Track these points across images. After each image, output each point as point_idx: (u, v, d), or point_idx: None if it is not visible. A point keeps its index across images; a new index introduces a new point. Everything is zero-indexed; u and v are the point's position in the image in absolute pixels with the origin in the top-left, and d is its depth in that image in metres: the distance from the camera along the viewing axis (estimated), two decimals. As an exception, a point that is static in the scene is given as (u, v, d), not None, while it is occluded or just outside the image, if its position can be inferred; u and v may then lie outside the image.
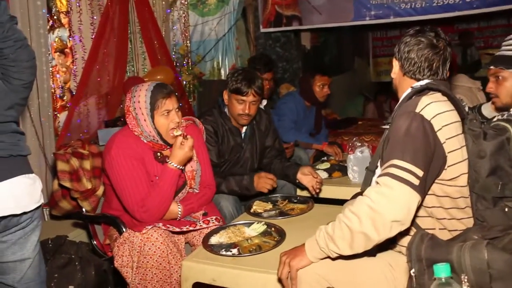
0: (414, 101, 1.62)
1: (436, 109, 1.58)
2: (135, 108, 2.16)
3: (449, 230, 1.61)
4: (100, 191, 2.46)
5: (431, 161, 1.52)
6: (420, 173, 1.45)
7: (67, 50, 4.04)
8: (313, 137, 4.01)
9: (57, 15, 3.95)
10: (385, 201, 1.42)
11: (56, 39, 4.20)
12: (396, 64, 1.81)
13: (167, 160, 2.17)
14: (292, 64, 6.36)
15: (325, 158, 3.59)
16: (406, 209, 1.41)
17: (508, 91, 2.14)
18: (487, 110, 2.42)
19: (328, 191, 2.88)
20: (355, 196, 2.31)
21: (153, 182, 2.20)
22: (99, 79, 4.07)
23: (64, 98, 4.04)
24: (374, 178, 1.72)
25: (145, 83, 2.23)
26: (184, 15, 5.10)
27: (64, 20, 3.99)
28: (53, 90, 3.75)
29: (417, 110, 1.56)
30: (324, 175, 3.09)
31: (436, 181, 1.59)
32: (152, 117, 2.14)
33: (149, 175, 2.21)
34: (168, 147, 2.26)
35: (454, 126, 1.60)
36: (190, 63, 5.06)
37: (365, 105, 8.38)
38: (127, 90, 2.30)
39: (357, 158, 2.89)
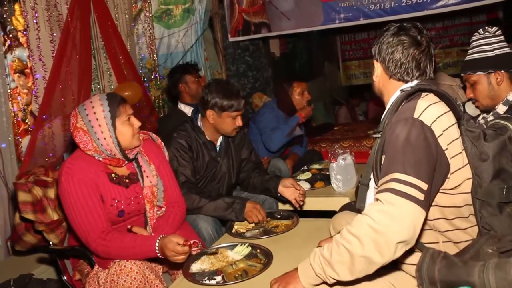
0: (409, 105, 1.49)
1: (435, 113, 1.45)
2: (89, 121, 1.98)
3: (454, 243, 1.49)
4: (67, 221, 2.27)
5: (435, 171, 1.39)
6: (424, 186, 1.32)
7: (27, 70, 3.82)
8: (300, 146, 3.94)
9: (14, 34, 3.74)
10: (388, 220, 1.29)
11: (15, 59, 3.99)
12: (378, 66, 1.67)
13: (157, 240, 1.91)
14: (263, 72, 6.26)
15: (306, 168, 3.46)
16: (412, 227, 1.28)
17: (483, 93, 2.19)
18: (471, 108, 2.38)
19: (312, 203, 2.75)
20: (343, 208, 2.19)
21: (113, 207, 2.03)
22: (62, 99, 3.85)
23: (27, 121, 3.82)
24: (369, 193, 1.59)
25: (92, 97, 2.08)
26: (149, 28, 4.92)
27: (23, 39, 3.77)
28: (13, 114, 3.53)
29: (415, 116, 1.43)
30: (306, 186, 2.96)
31: (440, 191, 1.47)
32: (114, 126, 1.99)
33: (106, 200, 2.03)
34: (126, 162, 2.10)
35: (453, 129, 1.48)
36: (158, 77, 4.88)
37: (337, 109, 8.37)
38: None
39: (340, 166, 2.77)
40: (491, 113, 2.19)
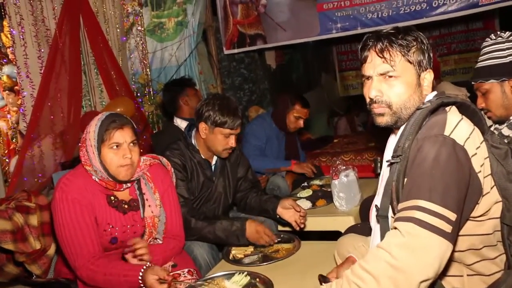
0: (437, 120, 1.31)
1: (467, 129, 1.29)
2: (85, 140, 1.89)
3: (481, 275, 1.32)
4: (51, 250, 2.12)
5: (466, 197, 1.22)
6: (453, 216, 1.16)
7: (17, 87, 3.69)
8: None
9: (4, 51, 3.62)
10: (411, 256, 1.13)
11: (4, 76, 3.86)
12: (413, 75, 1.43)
13: (141, 272, 1.77)
14: (259, 85, 6.14)
15: (306, 184, 3.31)
16: (437, 264, 1.13)
17: (496, 103, 2.03)
18: None
19: (313, 223, 2.60)
20: (349, 231, 2.03)
21: (106, 232, 1.89)
22: (52, 117, 3.72)
23: (14, 140, 3.68)
24: (391, 223, 1.41)
25: (99, 114, 1.96)
26: (141, 42, 4.80)
27: (12, 56, 3.65)
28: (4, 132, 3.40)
29: (446, 133, 1.25)
30: (306, 204, 2.81)
31: (470, 219, 1.30)
32: (99, 150, 1.85)
33: (100, 224, 1.90)
34: (124, 186, 1.96)
35: (484, 147, 1.31)
36: (151, 92, 4.75)
37: (336, 121, 8.23)
38: (85, 126, 2.00)
39: (343, 183, 2.61)
40: (505, 124, 2.04)
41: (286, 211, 2.44)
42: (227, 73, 5.66)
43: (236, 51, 5.27)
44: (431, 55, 1.43)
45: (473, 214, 1.30)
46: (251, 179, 2.77)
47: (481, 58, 2.06)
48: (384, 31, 1.46)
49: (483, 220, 1.31)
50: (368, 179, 3.29)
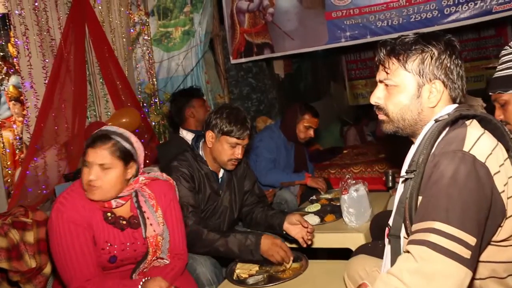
0: (456, 134, 1.21)
1: (489, 144, 1.19)
2: None
3: None
4: (48, 268, 2.04)
5: (487, 220, 1.12)
6: (472, 241, 1.06)
7: (23, 98, 3.65)
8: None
9: (11, 61, 3.58)
10: (424, 284, 1.03)
11: (10, 87, 3.82)
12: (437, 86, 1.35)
13: (141, 284, 1.75)
14: (267, 94, 6.06)
15: (314, 198, 3.21)
16: None
17: None
18: None
19: (322, 240, 2.49)
20: (359, 251, 1.92)
21: (104, 250, 1.82)
22: (56, 127, 3.65)
23: (18, 151, 3.63)
24: (404, 244, 1.30)
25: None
26: (148, 51, 4.76)
27: (17, 66, 3.60)
28: (2, 144, 3.34)
29: (465, 149, 1.16)
30: (315, 220, 2.70)
31: (491, 243, 1.20)
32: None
33: (98, 242, 1.83)
34: (114, 205, 1.88)
35: (508, 165, 1.20)
36: (158, 102, 4.68)
37: (345, 130, 8.12)
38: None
39: (352, 198, 2.51)
40: None
41: (293, 227, 2.34)
42: (235, 83, 5.59)
43: (243, 60, 5.19)
44: (448, 64, 1.32)
45: (495, 238, 1.19)
46: (258, 193, 2.67)
47: (499, 67, 1.94)
48: (395, 37, 1.38)
49: (506, 246, 1.21)
50: (378, 193, 3.19)
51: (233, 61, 5.22)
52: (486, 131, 1.24)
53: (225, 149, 2.36)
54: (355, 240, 2.40)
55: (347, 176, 2.62)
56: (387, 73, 1.36)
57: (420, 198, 1.19)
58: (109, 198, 1.85)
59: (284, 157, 3.58)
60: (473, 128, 1.22)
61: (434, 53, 1.31)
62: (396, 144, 4.68)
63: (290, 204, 3.27)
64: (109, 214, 1.87)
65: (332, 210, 2.84)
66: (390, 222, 1.32)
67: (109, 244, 1.84)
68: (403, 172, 1.44)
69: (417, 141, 1.31)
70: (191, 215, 2.26)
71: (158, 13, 4.87)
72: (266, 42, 4.96)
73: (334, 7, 4.49)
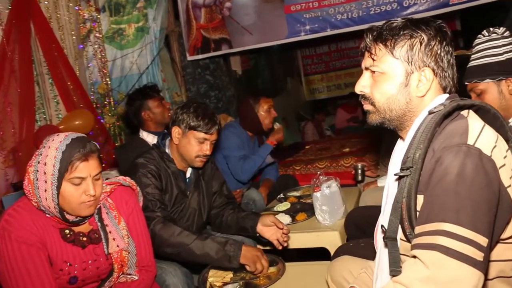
0: (457, 127, 1.12)
1: (492, 136, 1.11)
2: (37, 171, 1.56)
3: None
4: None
5: (495, 217, 1.04)
6: (484, 242, 0.98)
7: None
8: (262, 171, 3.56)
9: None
10: None
11: None
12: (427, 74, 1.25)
13: None
14: (225, 91, 5.94)
15: (282, 196, 3.11)
16: None
17: (493, 104, 1.83)
18: None
19: (294, 240, 2.40)
20: (341, 251, 1.83)
21: (63, 271, 1.62)
22: (1, 133, 3.39)
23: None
24: (402, 247, 1.19)
25: (60, 135, 1.62)
26: (100, 49, 4.51)
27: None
28: None
29: (469, 142, 1.06)
30: (286, 219, 2.60)
31: (499, 241, 1.12)
32: (59, 186, 1.55)
33: (54, 263, 1.62)
34: (82, 221, 1.68)
35: (510, 157, 1.13)
36: (112, 103, 4.45)
37: (303, 125, 8.12)
38: (40, 142, 1.69)
39: (325, 196, 2.43)
40: None
41: (267, 228, 2.24)
42: (192, 80, 5.42)
43: (200, 56, 5.05)
44: (438, 51, 1.23)
45: (502, 236, 1.12)
46: (226, 194, 2.55)
47: (474, 56, 1.91)
48: (382, 23, 1.29)
49: None
50: (348, 188, 3.13)
51: (189, 58, 5.07)
52: (486, 123, 1.16)
53: (192, 145, 2.23)
54: (330, 239, 2.32)
55: (318, 173, 2.53)
56: (373, 59, 1.26)
57: (419, 197, 1.10)
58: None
59: (249, 153, 3.46)
60: (474, 119, 1.14)
61: (423, 39, 1.22)
62: (358, 137, 4.65)
63: (258, 204, 3.16)
64: (67, 231, 1.67)
65: (303, 208, 2.76)
66: (384, 223, 1.22)
67: (68, 264, 1.64)
68: (390, 169, 1.36)
69: (409, 135, 1.22)
70: (160, 210, 2.10)
71: (110, 9, 4.63)
72: (224, 37, 4.83)
73: (293, 0, 4.43)
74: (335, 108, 8.39)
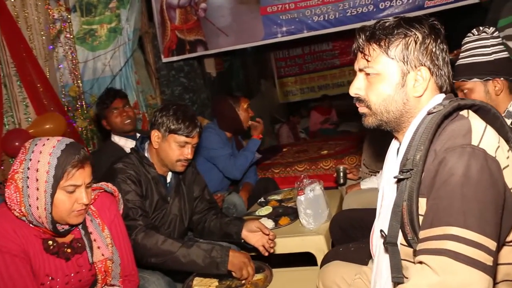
0: (459, 127, 1.08)
1: (495, 136, 1.08)
2: (27, 177, 1.46)
3: None
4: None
5: (502, 220, 1.01)
6: (492, 246, 0.95)
7: None
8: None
9: None
10: None
11: None
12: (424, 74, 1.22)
13: None
14: (200, 94, 5.86)
15: (263, 200, 3.05)
16: None
17: None
18: None
19: (279, 245, 2.32)
20: (331, 257, 1.78)
21: (44, 285, 1.52)
22: (-33, 137, 3.23)
23: None
24: (402, 252, 1.15)
25: (50, 139, 1.52)
26: (70, 51, 4.36)
27: None
28: None
29: (474, 143, 1.04)
30: (269, 224, 2.54)
31: (505, 243, 1.09)
32: (53, 193, 1.46)
33: (37, 276, 1.52)
34: (71, 230, 1.59)
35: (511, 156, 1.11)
36: (84, 106, 4.31)
37: (278, 128, 8.11)
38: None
39: (309, 199, 2.38)
40: None
41: (252, 234, 2.17)
42: (166, 83, 5.33)
43: (175, 58, 4.97)
44: (433, 50, 1.20)
45: (507, 239, 1.09)
46: (208, 199, 2.47)
47: (462, 55, 1.90)
48: (374, 23, 1.25)
49: None
50: (329, 190, 3.09)
51: (164, 60, 4.97)
52: (487, 124, 1.13)
53: (173, 149, 2.14)
54: (315, 243, 2.28)
55: (301, 176, 2.48)
56: (367, 60, 1.22)
57: (421, 200, 1.06)
58: None
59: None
60: (476, 120, 1.11)
61: (418, 37, 1.19)
62: (335, 139, 4.63)
63: (239, 209, 3.10)
64: (50, 242, 1.57)
65: (285, 212, 2.70)
66: (383, 227, 1.17)
67: (50, 278, 1.54)
68: (385, 172, 1.32)
69: (407, 136, 1.18)
70: (141, 218, 2.02)
71: (81, 8, 4.49)
72: (199, 39, 4.76)
73: (269, 2, 4.40)
74: (308, 111, 8.42)
